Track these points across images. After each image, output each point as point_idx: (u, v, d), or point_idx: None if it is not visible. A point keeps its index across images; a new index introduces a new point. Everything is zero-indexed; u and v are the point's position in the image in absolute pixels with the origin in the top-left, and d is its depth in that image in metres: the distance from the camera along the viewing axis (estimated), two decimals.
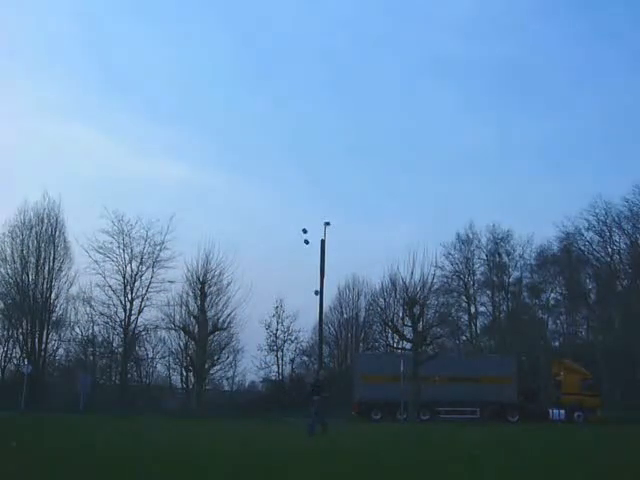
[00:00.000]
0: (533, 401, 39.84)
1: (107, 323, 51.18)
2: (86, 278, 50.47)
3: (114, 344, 51.87)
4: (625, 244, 52.96)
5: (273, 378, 54.09)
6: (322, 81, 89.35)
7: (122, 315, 50.75)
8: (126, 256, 51.14)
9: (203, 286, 41.34)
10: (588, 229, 52.29)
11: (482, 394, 37.44)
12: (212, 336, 42.37)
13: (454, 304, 55.08)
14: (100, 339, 51.98)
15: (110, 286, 50.42)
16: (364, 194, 79.74)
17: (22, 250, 51.50)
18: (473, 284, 55.96)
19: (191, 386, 48.20)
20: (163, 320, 47.17)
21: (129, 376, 52.69)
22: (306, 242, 41.66)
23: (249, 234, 68.51)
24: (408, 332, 38.43)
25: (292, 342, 53.64)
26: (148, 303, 50.52)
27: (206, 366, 42.23)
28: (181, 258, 45.94)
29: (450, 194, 75.52)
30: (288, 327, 53.31)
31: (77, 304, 51.41)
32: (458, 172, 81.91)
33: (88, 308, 51.07)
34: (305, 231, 41.56)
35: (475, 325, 56.14)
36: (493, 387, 37.92)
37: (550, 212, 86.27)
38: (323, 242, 42.23)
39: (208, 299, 41.63)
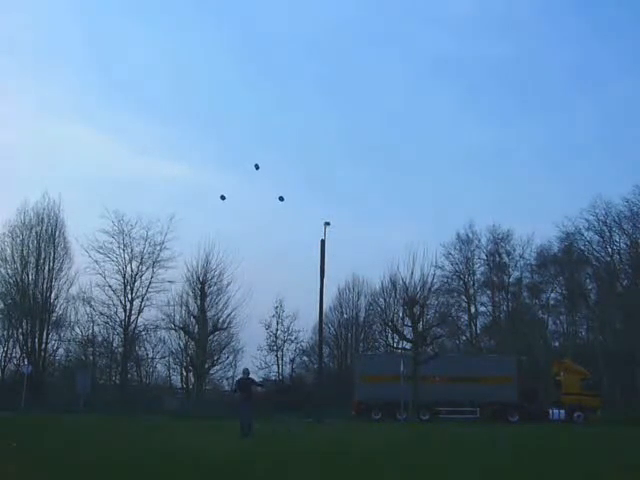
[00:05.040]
0: (533, 401, 39.81)
1: (107, 323, 51.23)
2: (86, 278, 50.57)
3: (114, 344, 51.90)
4: (625, 244, 52.97)
5: (273, 378, 54.13)
6: (322, 81, 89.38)
7: (122, 315, 50.81)
8: (126, 256, 51.24)
9: (203, 286, 41.37)
10: (588, 229, 52.33)
11: (482, 394, 37.42)
12: (212, 336, 42.39)
13: (454, 304, 55.13)
14: (100, 339, 52.03)
15: (110, 286, 50.52)
16: (364, 194, 79.73)
17: (22, 250, 51.51)
18: (473, 284, 56.00)
19: (191, 386, 48.21)
20: (163, 320, 47.25)
21: (129, 376, 52.70)
22: (281, 199, 35.85)
23: (249, 234, 68.43)
24: (408, 332, 38.50)
25: (292, 342, 53.72)
26: (148, 303, 50.62)
27: (206, 366, 42.25)
28: (181, 258, 46.05)
29: (450, 194, 75.62)
30: (288, 327, 53.39)
31: (77, 304, 51.48)
32: (458, 172, 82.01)
33: (88, 308, 51.16)
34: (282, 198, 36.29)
35: (475, 325, 56.20)
36: (493, 387, 37.89)
37: (550, 212, 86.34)
38: (323, 242, 42.15)
39: (208, 299, 41.67)
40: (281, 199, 34.85)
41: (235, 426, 18.28)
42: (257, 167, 34.17)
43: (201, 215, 73.11)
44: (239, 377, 21.10)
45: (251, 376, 20.48)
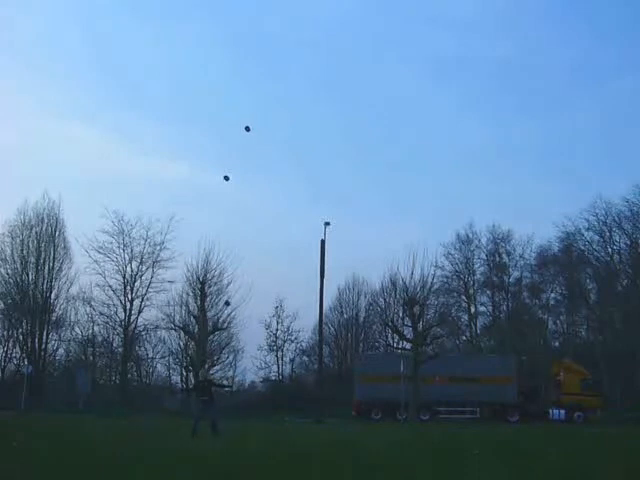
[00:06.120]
0: (533, 401, 39.85)
1: (107, 323, 51.32)
2: (86, 278, 50.67)
3: (114, 344, 52.02)
4: (625, 244, 52.97)
5: (273, 378, 54.16)
6: (321, 80, 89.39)
7: (122, 315, 50.90)
8: (126, 256, 51.33)
9: (203, 286, 41.34)
10: (588, 229, 52.34)
11: (482, 394, 37.44)
12: (212, 336, 42.37)
13: (454, 304, 55.13)
14: (100, 339, 52.11)
15: (110, 286, 50.62)
16: (364, 194, 79.78)
17: (22, 250, 51.57)
18: (473, 284, 55.98)
19: (191, 386, 48.21)
20: (163, 320, 47.30)
21: (129, 376, 52.74)
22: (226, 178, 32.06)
23: (249, 234, 68.45)
24: (408, 332, 38.48)
25: (292, 342, 53.81)
26: (148, 303, 50.72)
27: (206, 366, 42.24)
28: (181, 258, 46.10)
29: (450, 194, 75.62)
30: (288, 327, 53.48)
31: (77, 304, 51.60)
32: (458, 172, 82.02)
33: (88, 308, 51.27)
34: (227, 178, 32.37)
35: (475, 325, 56.20)
36: (493, 387, 37.93)
37: (550, 212, 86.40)
38: (323, 242, 42.21)
39: (208, 299, 41.64)
40: (226, 178, 32.67)
41: (232, 427, 18.26)
42: (227, 178, 32.57)
43: (201, 215, 73.30)
44: (197, 380, 20.48)
45: (210, 378, 19.80)
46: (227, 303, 33.13)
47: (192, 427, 17.17)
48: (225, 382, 28.65)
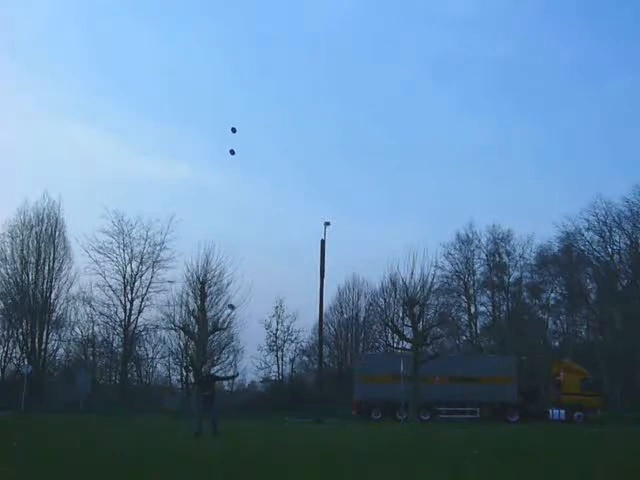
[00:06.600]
0: (533, 401, 39.85)
1: (107, 323, 51.29)
2: (86, 278, 50.64)
3: (114, 344, 51.99)
4: (625, 244, 52.96)
5: (273, 378, 54.14)
6: (321, 81, 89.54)
7: (122, 315, 50.88)
8: (126, 256, 51.30)
9: (203, 286, 41.30)
10: (588, 229, 52.34)
11: (482, 394, 37.44)
12: (212, 336, 42.35)
13: (454, 304, 55.10)
14: (100, 339, 52.09)
15: (110, 286, 50.59)
16: (364, 194, 79.84)
17: (22, 250, 51.55)
18: (473, 284, 55.95)
19: (191, 386, 48.20)
20: (163, 320, 47.26)
21: (129, 376, 52.71)
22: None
23: (249, 234, 68.47)
24: (408, 332, 38.47)
25: (292, 342, 53.72)
26: (148, 303, 50.69)
27: (206, 367, 42.23)
28: (181, 258, 46.08)
29: (450, 194, 75.67)
30: (288, 327, 53.38)
31: (77, 304, 51.56)
32: (458, 172, 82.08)
33: (88, 308, 51.24)
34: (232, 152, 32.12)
35: (475, 325, 56.17)
36: (493, 387, 37.93)
37: (550, 212, 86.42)
38: (323, 242, 42.25)
39: (208, 299, 41.60)
40: (232, 152, 30.78)
41: (232, 427, 18.24)
42: (232, 152, 31.00)
43: (201, 215, 73.36)
44: (200, 375, 20.61)
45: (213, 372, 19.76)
46: (231, 307, 32.38)
47: (197, 427, 17.23)
48: (229, 373, 28.75)
